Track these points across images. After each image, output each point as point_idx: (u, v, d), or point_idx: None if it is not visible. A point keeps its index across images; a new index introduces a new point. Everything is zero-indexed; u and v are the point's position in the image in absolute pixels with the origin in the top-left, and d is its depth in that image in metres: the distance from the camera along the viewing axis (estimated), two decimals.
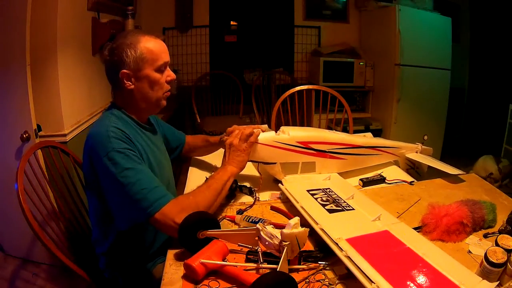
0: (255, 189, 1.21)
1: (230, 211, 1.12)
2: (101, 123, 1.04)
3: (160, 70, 1.07)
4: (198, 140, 1.48)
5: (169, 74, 1.11)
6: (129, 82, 1.05)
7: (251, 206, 1.14)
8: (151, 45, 1.05)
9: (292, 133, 1.21)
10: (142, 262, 1.13)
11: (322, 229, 0.89)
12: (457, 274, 0.72)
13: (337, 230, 0.88)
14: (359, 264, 0.75)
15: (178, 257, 0.89)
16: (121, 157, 0.95)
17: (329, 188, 1.17)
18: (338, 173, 1.30)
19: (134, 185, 0.93)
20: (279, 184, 1.20)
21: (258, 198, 1.19)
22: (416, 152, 1.48)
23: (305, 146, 1.23)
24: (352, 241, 0.83)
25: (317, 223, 0.92)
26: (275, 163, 1.20)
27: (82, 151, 1.06)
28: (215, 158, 1.45)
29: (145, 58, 1.03)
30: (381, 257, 0.79)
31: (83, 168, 1.09)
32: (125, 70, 1.03)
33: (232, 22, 3.68)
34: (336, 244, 0.82)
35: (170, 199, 0.96)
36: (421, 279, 0.72)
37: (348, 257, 0.77)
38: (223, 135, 1.27)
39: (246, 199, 1.20)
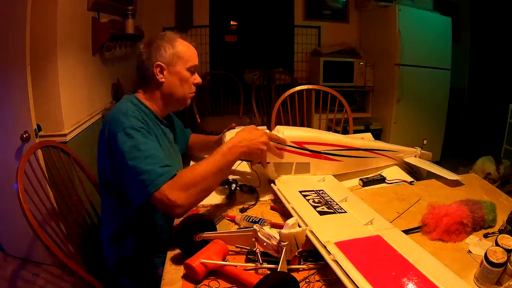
0: (257, 186, 1.20)
1: (230, 211, 1.12)
2: (121, 103, 1.09)
3: (191, 70, 1.14)
4: (199, 139, 1.50)
5: (196, 77, 1.18)
6: (161, 75, 1.10)
7: (253, 205, 1.14)
8: (186, 47, 1.14)
9: (287, 133, 1.18)
10: (148, 262, 1.13)
11: (311, 231, 0.87)
12: (449, 284, 0.69)
13: (327, 233, 0.86)
14: (347, 269, 0.72)
15: (178, 257, 0.89)
16: (138, 134, 0.97)
17: (322, 190, 1.15)
18: (335, 175, 1.27)
19: (147, 158, 0.93)
20: (272, 184, 1.19)
21: (259, 198, 1.18)
22: (415, 157, 1.45)
23: (300, 147, 1.20)
24: (341, 245, 0.81)
25: (306, 225, 0.90)
26: (268, 162, 1.17)
27: (97, 141, 1.08)
28: None
29: (180, 56, 1.11)
30: (370, 263, 0.76)
31: (98, 158, 1.09)
32: (160, 62, 1.09)
33: (232, 22, 3.68)
34: (325, 247, 0.80)
35: (171, 176, 0.93)
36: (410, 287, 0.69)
37: (336, 262, 0.75)
38: (223, 132, 1.29)
39: (246, 199, 1.19)
